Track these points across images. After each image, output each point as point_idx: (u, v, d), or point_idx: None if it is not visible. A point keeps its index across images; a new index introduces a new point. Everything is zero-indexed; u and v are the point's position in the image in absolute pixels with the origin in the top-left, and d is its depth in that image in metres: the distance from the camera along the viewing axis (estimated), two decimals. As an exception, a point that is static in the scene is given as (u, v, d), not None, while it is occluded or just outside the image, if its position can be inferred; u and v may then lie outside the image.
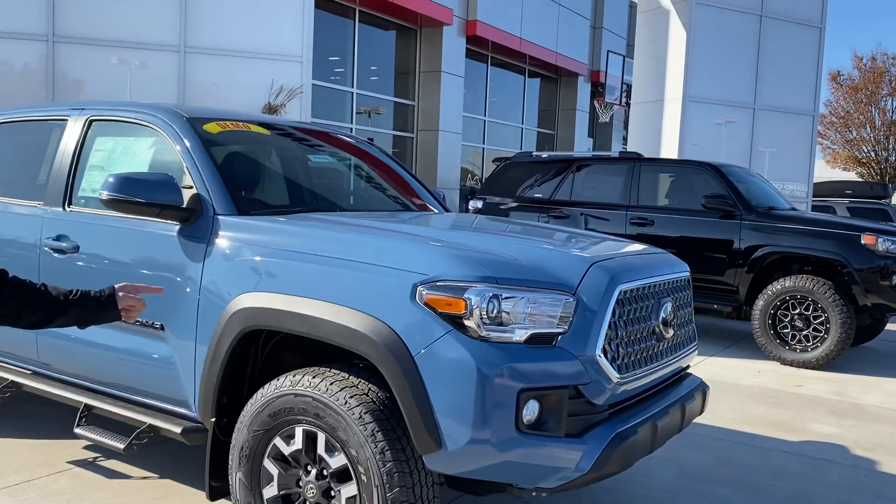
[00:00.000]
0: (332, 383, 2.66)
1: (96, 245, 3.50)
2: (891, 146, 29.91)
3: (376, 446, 2.54)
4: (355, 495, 2.63)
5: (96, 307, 2.44)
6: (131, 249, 3.38)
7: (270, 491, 2.83)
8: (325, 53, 14.86)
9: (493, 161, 10.79)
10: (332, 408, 2.61)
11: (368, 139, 5.02)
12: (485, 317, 2.51)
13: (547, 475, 2.57)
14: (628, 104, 15.35)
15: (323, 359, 2.95)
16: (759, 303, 7.29)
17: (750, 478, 4.18)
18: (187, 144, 3.35)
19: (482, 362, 2.47)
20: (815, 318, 7.07)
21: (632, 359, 2.81)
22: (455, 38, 17.49)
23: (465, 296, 2.51)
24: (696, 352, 3.54)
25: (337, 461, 2.66)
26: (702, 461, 4.39)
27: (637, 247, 3.52)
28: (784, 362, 7.18)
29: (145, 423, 3.28)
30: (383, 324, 2.56)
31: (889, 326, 9.02)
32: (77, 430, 3.47)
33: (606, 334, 2.66)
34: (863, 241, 6.96)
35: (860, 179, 27.92)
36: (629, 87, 16.37)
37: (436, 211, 4.37)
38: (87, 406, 3.52)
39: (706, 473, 4.21)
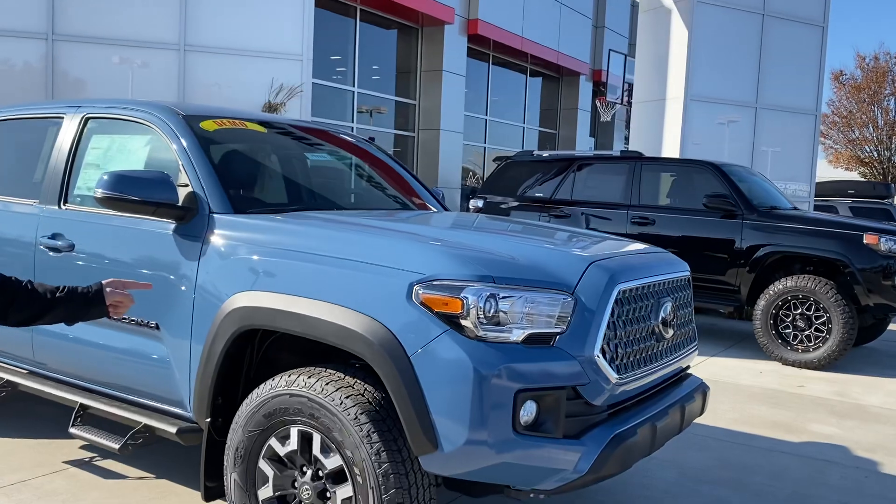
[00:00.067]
0: (327, 383, 2.63)
1: (92, 244, 3.48)
2: (893, 146, 29.84)
3: (372, 447, 2.52)
4: (351, 496, 2.60)
5: (83, 303, 2.42)
6: (127, 248, 3.36)
7: (266, 492, 2.81)
8: (326, 52, 14.83)
9: (494, 160, 10.76)
10: (328, 408, 2.59)
11: (370, 138, 5.00)
12: (482, 316, 2.48)
13: (545, 477, 2.55)
14: (630, 103, 15.31)
15: (319, 359, 2.93)
16: (761, 303, 7.26)
17: (750, 479, 4.15)
18: (183, 142, 3.32)
19: (479, 362, 2.44)
20: (817, 318, 7.04)
21: (631, 359, 2.78)
22: (456, 37, 17.46)
23: (462, 295, 2.48)
24: (697, 352, 3.51)
25: (332, 462, 2.64)
26: (702, 462, 4.36)
27: (637, 246, 3.50)
28: (785, 362, 7.15)
29: (140, 423, 3.26)
30: (379, 323, 2.54)
31: (891, 327, 8.97)
32: (72, 430, 3.45)
33: (605, 334, 2.64)
34: (865, 241, 6.93)
35: (863, 179, 27.87)
36: (631, 86, 16.34)
37: (435, 210, 4.34)
38: (82, 406, 3.50)
39: (706, 474, 4.18)
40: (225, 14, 9.40)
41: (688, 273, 3.45)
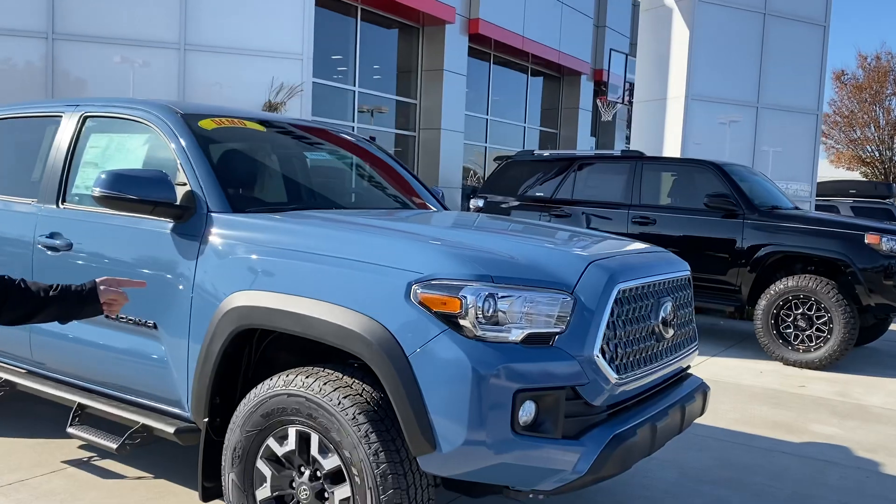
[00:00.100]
0: (325, 383, 2.62)
1: (90, 243, 3.47)
2: (895, 146, 29.80)
3: (370, 447, 2.51)
4: (349, 497, 2.59)
5: (77, 302, 2.41)
6: (125, 247, 3.35)
7: (263, 492, 2.80)
8: (327, 52, 14.82)
9: (495, 160, 10.74)
10: (326, 408, 2.57)
11: (370, 138, 4.99)
12: (480, 316, 2.47)
13: (544, 477, 2.53)
14: (631, 103, 15.29)
15: (318, 358, 2.91)
16: (762, 302, 7.24)
17: (750, 479, 4.13)
18: (181, 141, 3.31)
19: (477, 362, 2.42)
20: (818, 318, 7.02)
21: (630, 359, 2.77)
22: (457, 37, 17.44)
23: (461, 295, 2.47)
24: (697, 352, 3.50)
25: (330, 462, 2.62)
26: (702, 462, 4.35)
27: (637, 245, 3.48)
28: (786, 362, 7.13)
29: (138, 422, 3.24)
30: (377, 323, 2.52)
31: (893, 327, 8.96)
32: (70, 430, 3.44)
33: (605, 334, 2.62)
34: (866, 241, 6.91)
35: (864, 179, 27.83)
36: (632, 85, 16.32)
37: (434, 209, 4.32)
38: (80, 405, 3.49)
39: (707, 474, 4.17)
40: (225, 13, 9.39)
41: (688, 272, 3.43)
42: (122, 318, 3.22)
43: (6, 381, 3.88)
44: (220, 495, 2.97)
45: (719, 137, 11.65)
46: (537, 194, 9.02)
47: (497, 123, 20.67)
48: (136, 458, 3.89)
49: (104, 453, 3.94)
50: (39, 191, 3.73)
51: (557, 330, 2.56)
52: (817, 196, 12.86)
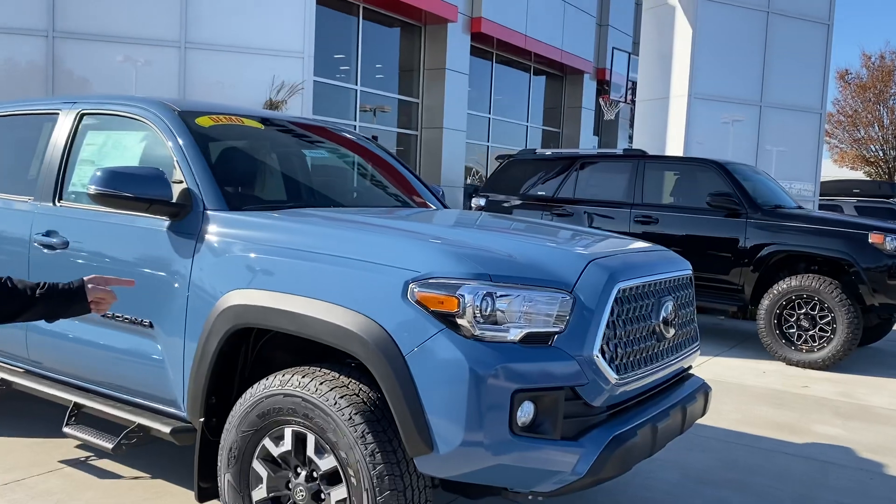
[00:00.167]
0: (321, 383, 2.59)
1: (86, 241, 3.44)
2: (899, 145, 29.73)
3: (366, 448, 2.47)
4: (345, 498, 2.56)
5: (64, 300, 2.38)
6: (121, 245, 3.32)
7: (259, 493, 2.77)
8: (328, 51, 14.80)
9: (497, 158, 10.70)
10: (322, 408, 2.54)
11: (373, 136, 4.96)
12: (478, 315, 2.44)
13: (542, 479, 2.50)
14: (634, 101, 15.26)
15: (314, 358, 2.88)
16: (765, 302, 7.20)
17: (753, 480, 4.10)
18: (178, 138, 3.28)
19: (475, 362, 2.39)
20: (822, 317, 6.98)
21: (631, 359, 2.73)
22: (460, 36, 17.42)
23: (458, 293, 2.43)
24: (699, 352, 3.46)
25: (326, 463, 2.59)
26: (704, 463, 4.31)
27: (637, 244, 3.45)
28: (789, 363, 7.09)
29: (135, 422, 3.22)
30: (374, 322, 2.49)
31: (896, 326, 8.91)
32: (66, 430, 3.41)
33: (604, 334, 2.59)
34: (870, 240, 6.87)
35: (868, 178, 27.76)
36: (635, 84, 16.30)
37: (434, 208, 4.29)
38: (76, 405, 3.46)
39: (709, 475, 4.13)
40: (226, 11, 9.38)
41: (690, 272, 3.39)
42: (119, 316, 3.20)
43: (2, 380, 3.86)
44: (216, 496, 2.94)
45: (722, 136, 11.61)
46: (539, 193, 8.98)
47: (499, 122, 20.65)
48: (134, 458, 3.86)
49: (101, 453, 3.91)
50: (36, 188, 3.71)
51: (556, 329, 2.52)
52: (821, 195, 12.82)
